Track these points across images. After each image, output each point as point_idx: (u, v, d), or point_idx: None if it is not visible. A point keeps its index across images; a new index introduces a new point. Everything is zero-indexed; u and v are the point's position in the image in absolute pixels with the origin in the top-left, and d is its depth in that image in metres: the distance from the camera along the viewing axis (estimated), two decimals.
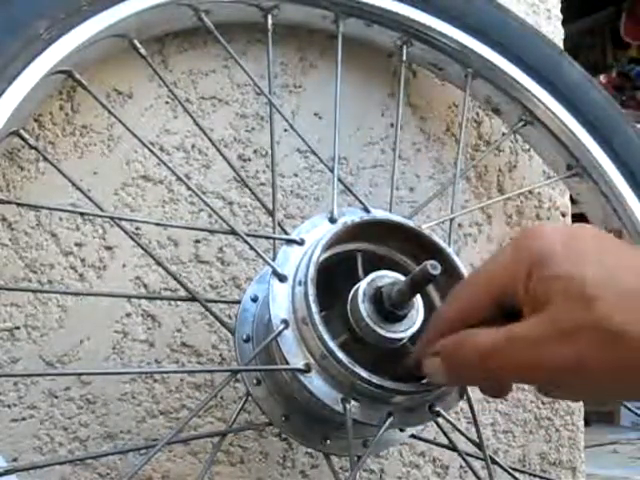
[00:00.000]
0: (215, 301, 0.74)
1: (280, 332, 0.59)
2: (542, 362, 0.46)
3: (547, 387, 0.50)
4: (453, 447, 0.69)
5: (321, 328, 0.57)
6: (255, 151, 0.79)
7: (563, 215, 0.93)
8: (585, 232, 0.48)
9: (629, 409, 0.88)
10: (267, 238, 0.72)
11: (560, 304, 0.45)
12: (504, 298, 0.49)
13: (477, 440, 0.68)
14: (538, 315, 0.46)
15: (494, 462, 0.69)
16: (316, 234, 0.63)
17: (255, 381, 0.63)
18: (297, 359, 0.59)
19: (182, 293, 0.71)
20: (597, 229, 0.51)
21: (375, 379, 0.57)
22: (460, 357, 0.50)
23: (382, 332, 0.58)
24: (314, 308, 0.57)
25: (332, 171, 0.71)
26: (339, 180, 0.71)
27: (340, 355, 0.57)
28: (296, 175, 0.81)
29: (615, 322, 0.43)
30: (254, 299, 0.65)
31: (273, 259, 0.63)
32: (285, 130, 0.79)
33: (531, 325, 0.46)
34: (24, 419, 0.68)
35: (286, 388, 0.62)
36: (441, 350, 0.52)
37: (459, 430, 0.69)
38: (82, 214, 0.71)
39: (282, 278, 0.61)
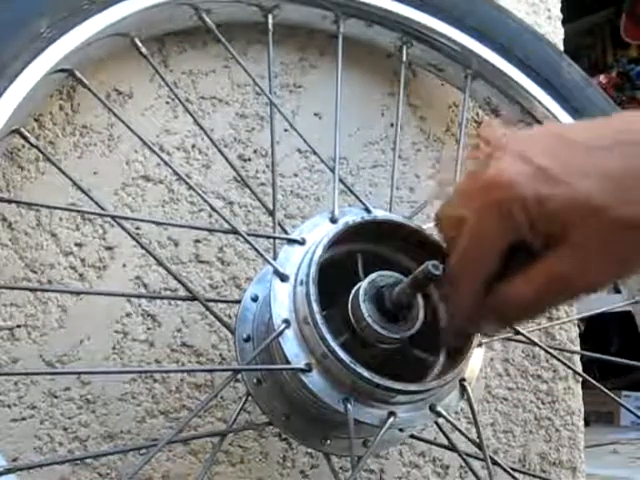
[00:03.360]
0: (215, 301, 0.74)
1: (281, 332, 0.59)
2: (590, 276, 0.49)
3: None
4: (453, 447, 0.69)
5: (322, 328, 0.57)
6: (255, 151, 0.79)
7: None
8: (528, 146, 0.49)
9: (629, 410, 0.88)
10: (269, 238, 0.72)
11: (581, 228, 0.47)
12: (509, 245, 0.51)
13: (477, 440, 0.68)
14: (566, 245, 0.48)
15: (494, 462, 0.69)
16: (317, 234, 0.63)
17: (255, 381, 0.63)
18: (298, 359, 0.59)
19: (182, 293, 0.71)
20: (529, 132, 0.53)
21: (376, 379, 0.57)
22: (509, 313, 0.53)
23: (383, 332, 0.58)
24: (315, 308, 0.57)
25: (333, 171, 0.71)
26: (340, 180, 0.71)
27: (341, 355, 0.57)
28: (296, 175, 0.81)
29: (626, 210, 0.46)
30: (254, 299, 0.65)
31: (274, 259, 0.63)
32: (285, 130, 0.79)
33: (567, 255, 0.48)
34: (24, 419, 0.68)
35: (287, 388, 0.62)
36: (492, 313, 0.54)
37: (459, 430, 0.69)
38: (82, 212, 0.71)
39: (283, 278, 0.61)
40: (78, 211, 0.70)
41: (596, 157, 0.48)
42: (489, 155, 0.50)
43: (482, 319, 0.55)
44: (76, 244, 0.72)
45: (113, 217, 0.69)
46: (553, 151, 0.49)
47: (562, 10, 0.98)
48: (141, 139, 0.66)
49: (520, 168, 0.48)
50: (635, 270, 0.52)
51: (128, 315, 0.73)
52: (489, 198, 0.49)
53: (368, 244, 0.64)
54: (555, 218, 0.47)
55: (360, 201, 0.69)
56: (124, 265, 0.73)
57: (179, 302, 0.74)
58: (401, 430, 0.65)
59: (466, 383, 0.63)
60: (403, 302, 0.58)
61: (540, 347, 0.80)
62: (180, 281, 0.65)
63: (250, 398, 0.63)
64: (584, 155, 0.48)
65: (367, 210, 0.67)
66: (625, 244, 0.47)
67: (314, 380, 0.58)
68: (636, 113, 0.50)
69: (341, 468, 0.75)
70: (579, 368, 0.90)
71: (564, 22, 0.97)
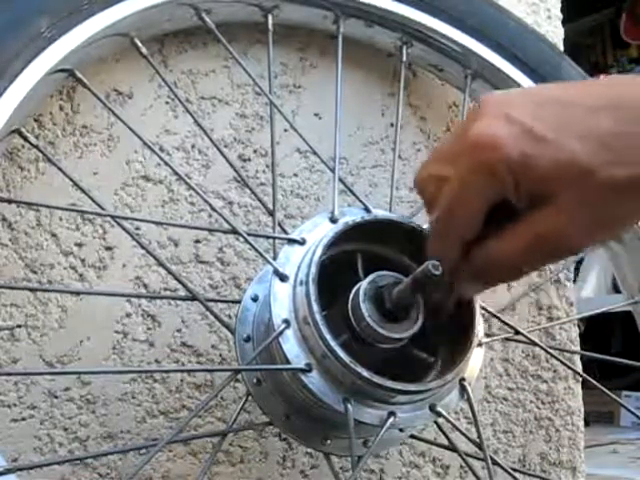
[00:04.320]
0: (215, 301, 0.74)
1: (281, 332, 0.59)
2: (575, 236, 0.48)
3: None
4: (453, 447, 0.69)
5: (322, 328, 0.57)
6: (255, 151, 0.79)
7: None
8: (514, 107, 0.49)
9: (629, 410, 0.88)
10: (268, 238, 0.72)
11: (567, 188, 0.46)
12: (492, 205, 0.50)
13: (477, 440, 0.68)
14: (552, 205, 0.47)
15: (494, 462, 0.69)
16: (317, 234, 0.63)
17: (255, 381, 0.63)
18: (298, 359, 0.59)
19: (182, 293, 0.71)
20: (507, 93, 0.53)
21: (376, 379, 0.57)
22: (494, 274, 0.53)
23: (383, 332, 0.58)
24: (315, 308, 0.57)
25: (333, 171, 0.71)
26: (340, 180, 0.71)
27: (341, 355, 0.57)
28: (296, 175, 0.81)
29: (613, 172, 0.46)
30: (254, 299, 0.65)
31: (274, 259, 0.63)
32: (285, 130, 0.79)
33: (553, 215, 0.48)
34: (24, 419, 0.68)
35: (287, 388, 0.62)
36: (474, 272, 0.53)
37: (459, 430, 0.69)
38: (82, 212, 0.71)
39: (283, 278, 0.61)
40: (78, 211, 0.70)
41: (584, 117, 0.47)
42: (473, 117, 0.50)
43: (463, 279, 0.54)
44: (76, 244, 0.72)
45: (113, 217, 0.69)
46: (538, 110, 0.48)
47: (562, 10, 0.98)
48: (141, 139, 0.67)
49: (505, 128, 0.47)
50: (620, 232, 0.52)
51: (128, 315, 0.73)
52: (473, 158, 0.49)
53: (368, 244, 0.64)
54: (541, 178, 0.47)
55: (360, 201, 0.69)
56: (124, 265, 0.73)
57: (179, 302, 0.74)
58: (401, 430, 0.65)
59: (466, 383, 0.63)
60: (403, 302, 0.58)
61: (540, 347, 0.80)
62: (180, 281, 0.65)
63: (250, 398, 0.63)
64: (571, 114, 0.47)
65: (367, 210, 0.67)
66: (612, 206, 0.46)
67: (314, 380, 0.58)
68: (621, 77, 0.50)
69: (341, 468, 0.75)
70: (579, 368, 0.90)
71: (564, 22, 0.97)
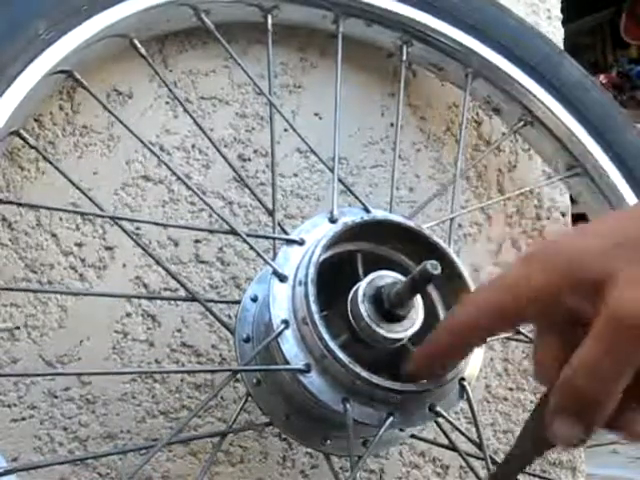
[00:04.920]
0: (215, 301, 0.74)
1: (280, 332, 0.59)
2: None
3: None
4: (453, 447, 0.69)
5: (321, 328, 0.57)
6: (255, 151, 0.79)
7: (563, 215, 0.93)
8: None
9: None
10: (267, 238, 0.72)
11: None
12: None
13: (477, 440, 0.68)
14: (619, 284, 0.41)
15: (494, 462, 0.69)
16: (316, 234, 0.63)
17: (255, 381, 0.63)
18: (297, 359, 0.59)
19: (182, 293, 0.71)
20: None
21: (375, 379, 0.57)
22: (582, 389, 0.44)
23: (382, 332, 0.58)
24: (314, 308, 0.57)
25: (332, 171, 0.71)
26: (339, 180, 0.71)
27: (340, 355, 0.57)
28: (296, 175, 0.81)
29: None
30: (254, 299, 0.65)
31: (273, 259, 0.63)
32: (285, 130, 0.79)
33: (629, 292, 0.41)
34: (24, 419, 0.68)
35: (286, 388, 0.62)
36: (561, 400, 0.45)
37: (459, 430, 0.69)
38: (82, 214, 0.71)
39: (282, 278, 0.61)
40: (77, 212, 0.70)
41: None
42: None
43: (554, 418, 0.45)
44: (76, 244, 0.72)
45: (112, 218, 0.69)
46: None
47: (562, 10, 0.98)
48: (140, 140, 0.66)
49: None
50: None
51: (128, 315, 0.73)
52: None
53: (367, 244, 0.64)
54: (586, 273, 0.42)
55: (359, 201, 0.69)
56: (124, 265, 0.73)
57: (179, 302, 0.74)
58: (401, 430, 0.65)
59: (466, 383, 0.63)
60: (402, 302, 0.58)
61: None
62: (180, 282, 0.65)
63: (250, 398, 0.63)
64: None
65: (366, 210, 0.67)
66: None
67: (313, 380, 0.58)
68: None
69: (341, 468, 0.75)
70: None
71: (564, 22, 0.97)
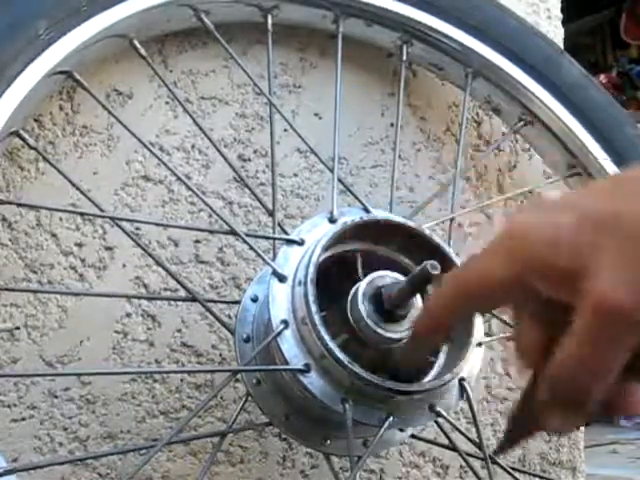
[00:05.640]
0: (215, 301, 0.74)
1: (280, 332, 0.59)
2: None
3: None
4: (453, 447, 0.69)
5: (321, 328, 0.57)
6: (255, 151, 0.79)
7: None
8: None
9: None
10: (267, 238, 0.72)
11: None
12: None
13: (477, 440, 0.68)
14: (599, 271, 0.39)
15: (494, 462, 0.69)
16: (316, 234, 0.63)
17: (255, 381, 0.63)
18: (297, 359, 0.59)
19: (182, 293, 0.71)
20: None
21: (375, 379, 0.57)
22: (569, 380, 0.42)
23: (382, 332, 0.58)
24: (314, 308, 0.57)
25: (332, 171, 0.71)
26: (339, 180, 0.71)
27: (339, 355, 0.57)
28: (296, 175, 0.81)
29: None
30: (254, 299, 0.65)
31: (273, 259, 0.63)
32: (285, 130, 0.79)
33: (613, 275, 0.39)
34: (24, 419, 0.68)
35: (286, 388, 0.62)
36: (549, 393, 0.44)
37: (459, 430, 0.69)
38: (82, 214, 0.71)
39: (282, 278, 0.61)
40: (77, 213, 0.70)
41: None
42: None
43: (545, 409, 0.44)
44: (76, 244, 0.72)
45: (112, 218, 0.69)
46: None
47: (562, 10, 0.98)
48: (140, 141, 0.66)
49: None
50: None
51: (128, 315, 0.73)
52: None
53: (367, 244, 0.64)
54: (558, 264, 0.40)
55: (359, 201, 0.69)
56: (124, 265, 0.73)
57: (179, 302, 0.74)
58: (401, 430, 0.65)
59: (466, 383, 0.63)
60: (402, 302, 0.58)
61: None
62: (180, 282, 0.65)
63: (250, 398, 0.63)
64: None
65: (366, 210, 0.67)
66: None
67: (313, 380, 0.58)
68: None
69: (341, 468, 0.75)
70: None
71: (564, 22, 0.97)
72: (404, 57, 0.80)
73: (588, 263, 0.40)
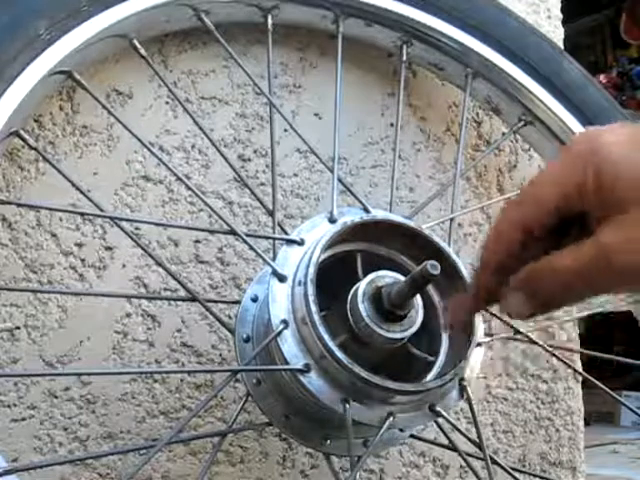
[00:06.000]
0: (215, 301, 0.74)
1: (280, 332, 0.59)
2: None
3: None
4: (453, 447, 0.69)
5: (321, 328, 0.57)
6: (255, 151, 0.79)
7: None
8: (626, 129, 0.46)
9: (630, 409, 0.88)
10: (267, 238, 0.72)
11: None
12: (567, 208, 0.47)
13: (477, 440, 0.68)
14: (621, 221, 0.44)
15: (494, 462, 0.69)
16: (316, 234, 0.63)
17: (255, 381, 0.63)
18: (297, 359, 0.59)
19: (182, 293, 0.71)
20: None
21: (375, 379, 0.57)
22: (545, 289, 0.48)
23: (382, 332, 0.58)
24: (314, 308, 0.57)
25: (332, 171, 0.71)
26: (339, 180, 0.71)
27: (339, 355, 0.57)
28: (296, 175, 0.81)
29: None
30: (254, 299, 0.65)
31: (273, 259, 0.63)
32: (285, 130, 0.79)
33: (619, 231, 0.44)
34: (24, 419, 0.68)
35: (286, 388, 0.62)
36: (522, 285, 0.49)
37: (459, 430, 0.69)
38: (82, 214, 0.71)
39: (282, 278, 0.61)
40: (77, 213, 0.70)
41: None
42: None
43: (510, 294, 0.49)
44: (76, 244, 0.72)
45: (112, 218, 0.69)
46: None
47: (562, 10, 0.98)
48: (140, 141, 0.66)
49: (612, 135, 0.45)
50: None
51: (128, 315, 0.73)
52: (568, 149, 0.47)
53: (367, 244, 0.64)
54: (622, 188, 0.44)
55: (359, 201, 0.69)
56: (124, 265, 0.73)
57: (179, 302, 0.74)
58: (401, 430, 0.65)
59: (466, 383, 0.63)
60: (402, 302, 0.58)
61: (540, 346, 0.80)
62: (180, 282, 0.65)
63: (250, 398, 0.63)
64: None
65: (366, 210, 0.67)
66: None
67: (313, 380, 0.58)
68: None
69: (341, 468, 0.75)
70: (579, 368, 0.90)
71: (564, 22, 0.97)
72: (404, 57, 0.80)
73: (627, 206, 0.44)
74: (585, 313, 1.03)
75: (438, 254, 0.63)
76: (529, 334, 0.77)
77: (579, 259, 0.46)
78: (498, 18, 0.84)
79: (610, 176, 0.45)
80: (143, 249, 0.64)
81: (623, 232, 0.44)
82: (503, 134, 0.89)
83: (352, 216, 0.64)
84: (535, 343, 0.79)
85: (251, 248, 0.66)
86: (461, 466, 0.85)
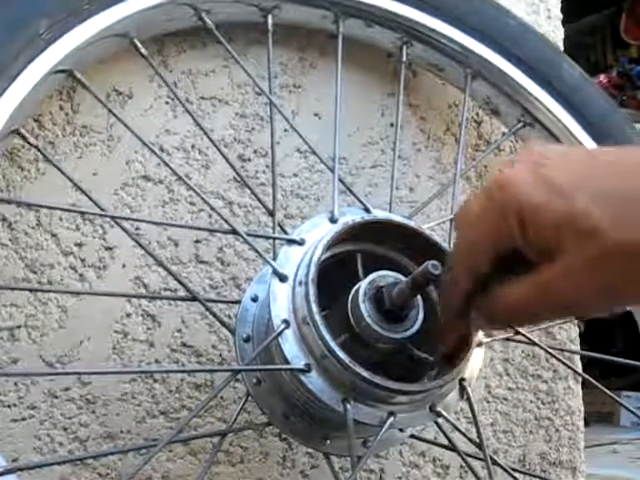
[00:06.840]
0: (215, 301, 0.74)
1: (281, 332, 0.59)
2: (580, 298, 0.47)
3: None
4: (453, 447, 0.69)
5: (322, 328, 0.57)
6: (255, 151, 0.79)
7: None
8: (548, 159, 0.48)
9: (629, 409, 0.88)
10: (268, 238, 0.72)
11: (573, 245, 0.45)
12: (506, 250, 0.49)
13: (477, 440, 0.68)
14: (558, 260, 0.46)
15: (494, 462, 0.69)
16: (317, 234, 0.63)
17: (255, 381, 0.63)
18: (297, 359, 0.59)
19: (182, 293, 0.71)
20: (550, 149, 0.52)
21: (375, 379, 0.57)
22: (497, 316, 0.53)
23: (382, 332, 0.58)
24: (315, 308, 0.57)
25: (332, 171, 0.71)
26: (339, 180, 0.71)
27: (340, 355, 0.57)
28: (296, 175, 0.81)
29: (623, 236, 0.44)
30: (254, 299, 0.65)
31: (273, 259, 0.63)
32: (285, 130, 0.79)
33: (556, 270, 0.47)
34: (24, 419, 0.68)
35: (286, 388, 0.62)
36: (479, 314, 0.54)
37: (459, 430, 0.69)
38: (82, 213, 0.71)
39: (283, 278, 0.61)
40: (78, 212, 0.70)
41: (609, 178, 0.46)
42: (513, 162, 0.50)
43: (472, 317, 0.54)
44: (76, 244, 0.72)
45: (112, 218, 0.69)
46: (569, 166, 0.47)
47: (562, 10, 0.98)
48: (141, 140, 0.66)
49: (530, 175, 0.47)
50: (627, 302, 0.51)
51: (128, 315, 0.73)
52: (490, 198, 0.49)
53: (368, 244, 0.64)
54: (549, 229, 0.46)
55: (360, 201, 0.69)
56: (124, 265, 0.73)
57: (179, 302, 0.74)
58: (401, 430, 0.65)
59: (466, 383, 0.63)
60: (403, 302, 0.58)
61: (540, 347, 0.81)
62: (180, 281, 0.65)
63: (250, 398, 0.63)
64: (598, 174, 0.46)
65: (367, 210, 0.67)
66: (617, 271, 0.45)
67: (313, 380, 0.58)
68: None
69: (341, 468, 0.75)
70: (579, 368, 0.90)
71: (564, 22, 0.97)
72: (404, 58, 0.80)
73: (557, 248, 0.46)
74: None
75: (438, 254, 0.63)
76: (529, 334, 0.77)
77: (522, 296, 0.49)
78: (498, 19, 0.84)
79: (533, 226, 0.47)
80: (143, 249, 0.64)
81: (557, 271, 0.47)
82: (503, 134, 0.89)
83: (353, 216, 0.64)
84: (535, 344, 0.79)
85: (252, 248, 0.66)
86: (461, 466, 0.85)
